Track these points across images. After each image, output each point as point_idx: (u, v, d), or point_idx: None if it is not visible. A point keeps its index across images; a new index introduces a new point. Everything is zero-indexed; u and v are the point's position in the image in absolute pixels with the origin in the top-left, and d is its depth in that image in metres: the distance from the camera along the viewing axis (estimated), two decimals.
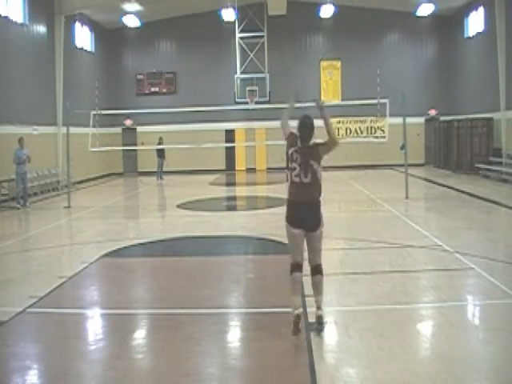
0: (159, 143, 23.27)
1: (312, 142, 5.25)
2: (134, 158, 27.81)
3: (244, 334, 5.38)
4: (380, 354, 4.61)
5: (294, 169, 5.14)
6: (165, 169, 23.79)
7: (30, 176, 16.73)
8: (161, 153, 23.35)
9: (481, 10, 22.79)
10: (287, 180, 5.55)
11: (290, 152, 5.23)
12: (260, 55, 26.47)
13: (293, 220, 5.14)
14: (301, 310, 5.10)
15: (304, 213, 5.13)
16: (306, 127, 5.21)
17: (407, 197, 14.65)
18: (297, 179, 5.13)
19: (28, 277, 7.65)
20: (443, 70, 26.53)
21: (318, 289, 5.22)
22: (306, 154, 5.12)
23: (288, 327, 5.35)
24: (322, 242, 5.31)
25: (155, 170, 23.76)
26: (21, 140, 15.25)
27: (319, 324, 5.14)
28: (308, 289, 6.39)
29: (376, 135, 26.18)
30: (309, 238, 5.22)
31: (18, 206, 15.25)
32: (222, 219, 12.63)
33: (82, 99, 22.00)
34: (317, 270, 5.24)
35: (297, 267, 5.19)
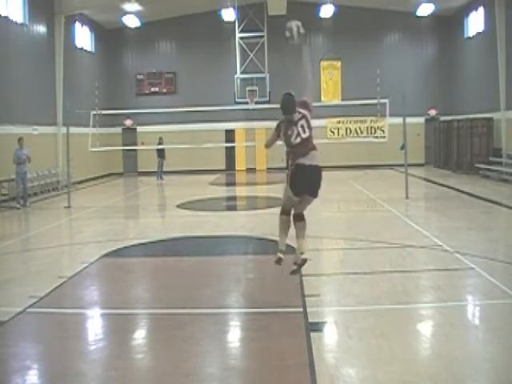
0: (159, 143, 23.28)
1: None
2: (134, 157, 27.81)
3: (244, 333, 5.38)
4: (380, 354, 4.61)
5: (291, 135, 5.62)
6: (165, 169, 23.79)
7: (30, 176, 16.73)
8: (161, 153, 23.36)
9: (481, 10, 22.79)
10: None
11: (282, 132, 5.73)
12: (260, 55, 26.48)
13: (296, 190, 5.70)
14: (281, 255, 5.80)
15: (309, 179, 5.66)
16: (287, 102, 5.69)
17: (407, 197, 14.65)
18: (297, 140, 5.61)
19: (28, 277, 7.65)
20: (443, 70, 26.53)
21: (301, 232, 5.81)
22: (294, 122, 5.63)
23: (288, 327, 5.36)
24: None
25: (155, 170, 23.77)
26: (20, 140, 15.25)
27: (299, 266, 5.78)
28: (307, 289, 6.41)
29: (376, 135, 26.20)
30: (304, 199, 5.79)
31: (18, 206, 15.26)
32: (222, 219, 12.62)
33: (82, 99, 21.99)
34: (300, 217, 5.86)
35: (286, 212, 5.91)
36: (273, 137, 5.96)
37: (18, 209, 15.11)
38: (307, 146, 5.67)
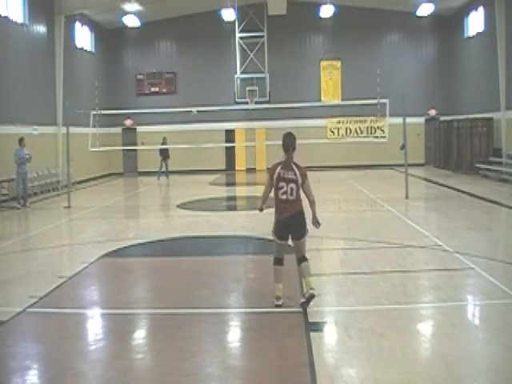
0: (163, 143, 23.30)
1: (294, 163, 5.89)
2: (134, 157, 27.82)
3: (244, 333, 5.38)
4: (380, 354, 4.61)
5: (280, 189, 5.85)
6: (164, 169, 23.79)
7: (30, 176, 16.71)
8: (164, 153, 23.40)
9: (481, 9, 22.79)
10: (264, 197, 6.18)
11: (275, 176, 5.88)
12: (260, 55, 26.47)
13: (280, 235, 5.95)
14: (280, 301, 5.89)
15: (290, 226, 5.88)
16: (287, 138, 5.96)
17: (407, 197, 14.65)
18: (283, 197, 5.85)
19: (28, 277, 7.65)
20: (443, 70, 26.53)
21: (305, 271, 5.92)
22: (286, 179, 5.84)
23: (288, 327, 5.36)
24: (306, 243, 6.02)
25: (156, 170, 23.77)
26: (21, 140, 15.24)
27: (307, 300, 5.73)
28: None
29: (376, 135, 26.18)
30: (295, 243, 5.98)
31: (18, 206, 15.25)
32: (222, 219, 12.63)
33: (82, 99, 22.00)
34: (302, 259, 5.96)
35: (279, 261, 6.04)
36: (268, 187, 6.02)
37: (18, 209, 15.10)
38: (291, 207, 5.84)
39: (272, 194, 6.02)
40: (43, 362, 4.86)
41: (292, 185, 5.81)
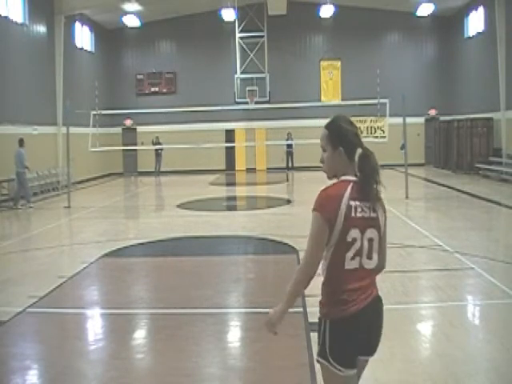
0: (158, 142, 23.89)
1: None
2: (134, 157, 27.82)
3: (244, 333, 5.38)
4: (380, 354, 4.59)
5: (349, 247, 2.69)
6: (165, 168, 24.04)
7: (30, 176, 16.63)
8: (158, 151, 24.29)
9: (481, 9, 22.78)
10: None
11: (341, 217, 2.64)
12: (260, 55, 26.46)
13: (349, 351, 2.81)
14: None
15: (369, 327, 2.85)
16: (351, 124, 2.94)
17: (407, 197, 14.64)
18: (355, 264, 2.74)
19: (28, 277, 7.65)
20: (443, 70, 26.53)
21: None
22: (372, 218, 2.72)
23: (288, 327, 5.36)
24: None
25: (155, 170, 23.95)
26: (22, 141, 15.02)
27: None
28: (307, 289, 6.40)
29: (376, 135, 26.17)
30: (361, 363, 2.94)
31: (26, 206, 15.03)
32: (222, 219, 12.62)
33: (82, 99, 21.98)
34: None
35: None
36: (320, 245, 2.74)
37: (19, 209, 14.97)
38: (369, 285, 2.86)
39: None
40: (43, 362, 4.86)
41: (373, 231, 2.73)
